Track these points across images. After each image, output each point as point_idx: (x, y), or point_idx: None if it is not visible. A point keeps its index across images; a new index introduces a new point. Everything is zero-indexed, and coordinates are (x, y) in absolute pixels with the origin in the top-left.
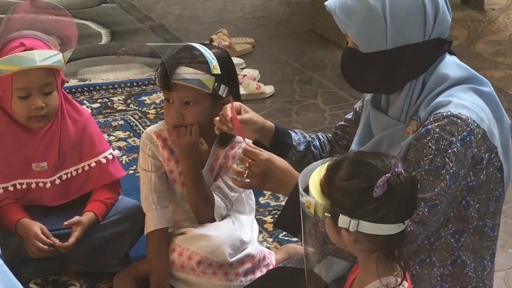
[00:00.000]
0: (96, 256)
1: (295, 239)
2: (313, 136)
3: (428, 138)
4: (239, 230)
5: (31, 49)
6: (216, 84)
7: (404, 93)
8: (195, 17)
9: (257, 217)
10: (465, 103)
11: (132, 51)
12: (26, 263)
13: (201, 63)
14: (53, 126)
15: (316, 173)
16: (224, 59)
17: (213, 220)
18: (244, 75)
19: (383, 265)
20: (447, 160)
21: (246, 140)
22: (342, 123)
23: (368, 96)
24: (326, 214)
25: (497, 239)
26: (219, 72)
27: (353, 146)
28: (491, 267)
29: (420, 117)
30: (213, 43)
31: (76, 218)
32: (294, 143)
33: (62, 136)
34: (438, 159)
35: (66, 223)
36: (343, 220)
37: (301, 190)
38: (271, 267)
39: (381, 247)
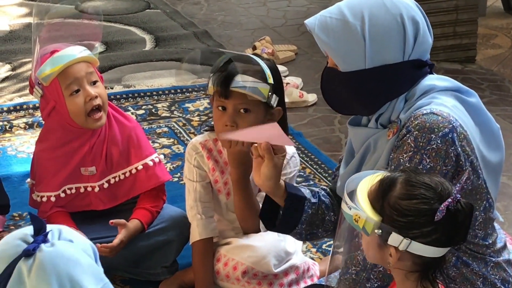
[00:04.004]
0: (141, 264)
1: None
2: (315, 189)
3: (408, 135)
4: (283, 241)
5: None
6: (270, 93)
7: (384, 108)
8: (238, 23)
9: None
10: (446, 104)
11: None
12: None
13: (257, 72)
14: (102, 132)
15: (364, 185)
16: (275, 69)
17: (258, 230)
18: (287, 83)
19: (418, 286)
20: (424, 156)
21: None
22: (339, 164)
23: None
24: (376, 230)
25: (495, 245)
26: (272, 82)
27: (341, 170)
28: (495, 262)
29: (400, 119)
30: (256, 50)
31: (123, 220)
32: (307, 196)
33: (110, 141)
34: (417, 156)
35: (112, 221)
36: (395, 238)
37: (349, 201)
38: (315, 278)
39: (421, 268)
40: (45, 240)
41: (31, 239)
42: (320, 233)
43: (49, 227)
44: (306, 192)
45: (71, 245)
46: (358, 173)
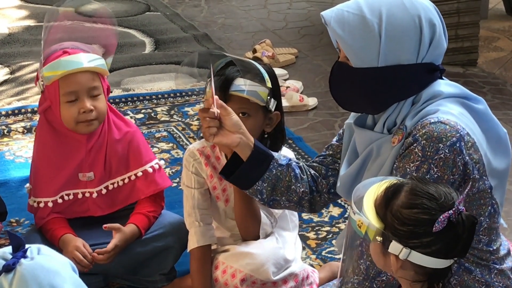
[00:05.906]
0: (139, 270)
1: (338, 256)
2: (293, 159)
3: (415, 145)
4: (282, 248)
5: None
6: (268, 97)
7: (391, 110)
8: (238, 26)
9: (300, 233)
10: (453, 112)
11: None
12: None
13: (256, 76)
14: (100, 137)
15: (371, 192)
16: (272, 74)
17: (257, 237)
18: (288, 87)
19: None
20: (432, 166)
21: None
22: (327, 152)
23: (350, 120)
24: (377, 237)
25: (498, 251)
26: (271, 86)
27: (342, 170)
28: (498, 269)
29: (406, 126)
30: (256, 53)
31: (117, 224)
32: (275, 156)
33: (109, 147)
34: (425, 166)
35: (106, 225)
36: (395, 247)
37: (354, 207)
38: (314, 286)
39: (425, 279)
40: (24, 256)
41: (10, 256)
42: (283, 202)
43: (27, 245)
44: (278, 155)
45: (51, 258)
46: (367, 180)
